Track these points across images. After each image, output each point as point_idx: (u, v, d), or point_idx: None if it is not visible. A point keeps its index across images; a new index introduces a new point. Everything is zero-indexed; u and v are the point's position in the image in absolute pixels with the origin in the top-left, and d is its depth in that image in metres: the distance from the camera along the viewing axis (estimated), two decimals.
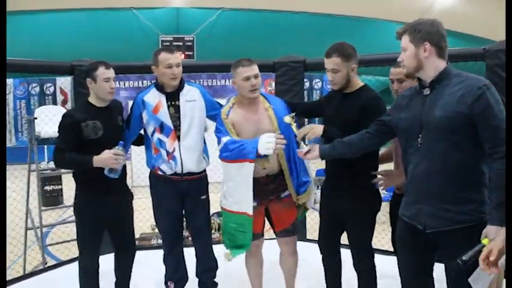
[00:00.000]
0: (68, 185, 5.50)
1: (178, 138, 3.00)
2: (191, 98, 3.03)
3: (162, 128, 2.99)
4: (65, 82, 10.63)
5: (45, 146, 8.70)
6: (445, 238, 1.99)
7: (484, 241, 1.87)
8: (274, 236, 3.12)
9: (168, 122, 2.98)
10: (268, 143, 2.66)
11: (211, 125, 3.19)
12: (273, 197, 2.93)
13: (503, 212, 1.82)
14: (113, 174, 2.80)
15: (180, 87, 3.03)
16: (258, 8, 10.16)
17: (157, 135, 3.01)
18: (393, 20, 10.87)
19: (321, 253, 3.00)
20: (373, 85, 3.01)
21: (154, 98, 3.01)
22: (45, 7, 9.69)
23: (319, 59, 2.91)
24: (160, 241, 4.39)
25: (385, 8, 10.40)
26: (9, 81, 10.63)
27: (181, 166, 3.00)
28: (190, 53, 10.06)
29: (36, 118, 4.42)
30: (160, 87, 3.02)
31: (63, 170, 5.17)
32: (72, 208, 3.05)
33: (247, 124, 2.87)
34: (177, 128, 2.99)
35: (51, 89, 10.84)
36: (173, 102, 3.00)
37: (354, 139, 2.41)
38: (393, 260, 2.72)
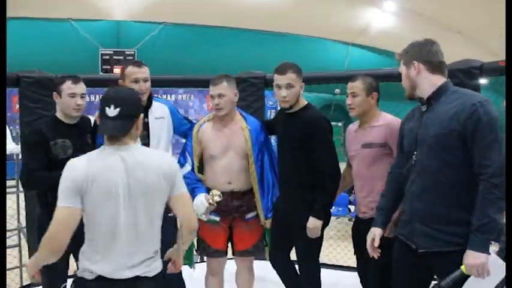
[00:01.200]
0: None
1: None
2: (160, 115, 2.93)
3: None
4: None
5: None
6: (438, 259, 1.96)
7: (462, 267, 1.84)
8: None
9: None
10: (199, 208, 2.74)
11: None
12: (236, 215, 2.92)
13: (482, 236, 1.81)
14: None
15: (149, 103, 2.92)
16: (199, 23, 10.19)
17: None
18: (331, 38, 11.26)
19: (274, 268, 3.02)
20: (313, 102, 3.11)
21: None
22: None
23: None
24: None
25: (324, 27, 10.74)
26: None
27: None
28: None
29: None
30: None
31: None
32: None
33: (217, 140, 2.87)
34: (145, 146, 2.89)
35: None
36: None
37: (391, 196, 2.33)
38: (340, 274, 2.82)
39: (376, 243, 2.26)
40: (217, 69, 4.47)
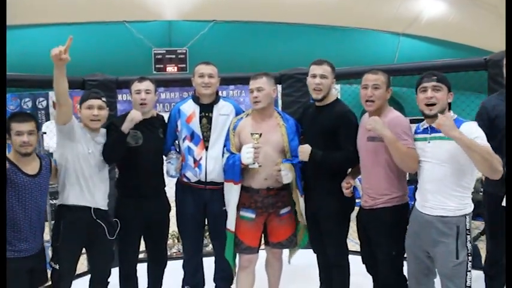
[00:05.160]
0: None
1: (206, 148, 3.12)
2: (224, 112, 3.17)
3: (192, 136, 3.14)
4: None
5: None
6: None
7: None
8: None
9: (198, 132, 3.12)
10: (247, 153, 2.90)
11: None
12: (272, 211, 3.03)
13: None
14: (169, 175, 3.19)
15: (215, 100, 3.14)
16: (250, 19, 10.27)
17: (187, 142, 3.16)
18: (382, 29, 11.06)
19: (314, 252, 3.24)
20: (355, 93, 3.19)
21: (189, 108, 3.20)
22: (36, 21, 9.68)
23: None
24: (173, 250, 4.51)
25: (374, 18, 10.56)
26: None
27: (205, 174, 3.12)
28: (183, 65, 10.09)
29: (45, 133, 4.43)
30: (196, 99, 3.14)
31: None
32: None
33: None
34: (207, 138, 3.12)
35: (44, 103, 10.78)
36: (206, 114, 3.15)
37: None
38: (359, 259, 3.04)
39: None
40: (268, 65, 4.57)
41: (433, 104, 2.57)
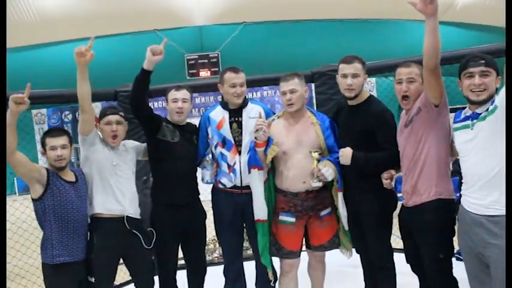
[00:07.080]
0: None
1: (239, 152, 3.10)
2: (254, 115, 3.12)
3: (224, 142, 3.13)
4: (96, 109, 10.83)
5: None
6: None
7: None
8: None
9: (230, 137, 3.11)
10: (254, 130, 2.88)
11: None
12: (312, 213, 2.96)
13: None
14: (205, 181, 3.21)
15: (244, 104, 3.15)
16: (279, 19, 10.24)
17: (219, 149, 3.14)
18: (416, 19, 10.79)
19: (356, 251, 3.12)
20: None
21: (218, 114, 3.18)
22: (68, 37, 9.92)
23: None
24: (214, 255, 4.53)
25: (406, 8, 10.31)
26: (43, 111, 10.95)
27: (241, 179, 3.09)
28: (216, 69, 10.15)
29: None
30: (224, 104, 3.16)
31: None
32: None
33: (289, 135, 2.96)
34: (239, 143, 3.10)
35: None
36: (236, 119, 3.13)
37: None
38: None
39: None
40: (300, 63, 4.51)
41: (481, 90, 2.29)
